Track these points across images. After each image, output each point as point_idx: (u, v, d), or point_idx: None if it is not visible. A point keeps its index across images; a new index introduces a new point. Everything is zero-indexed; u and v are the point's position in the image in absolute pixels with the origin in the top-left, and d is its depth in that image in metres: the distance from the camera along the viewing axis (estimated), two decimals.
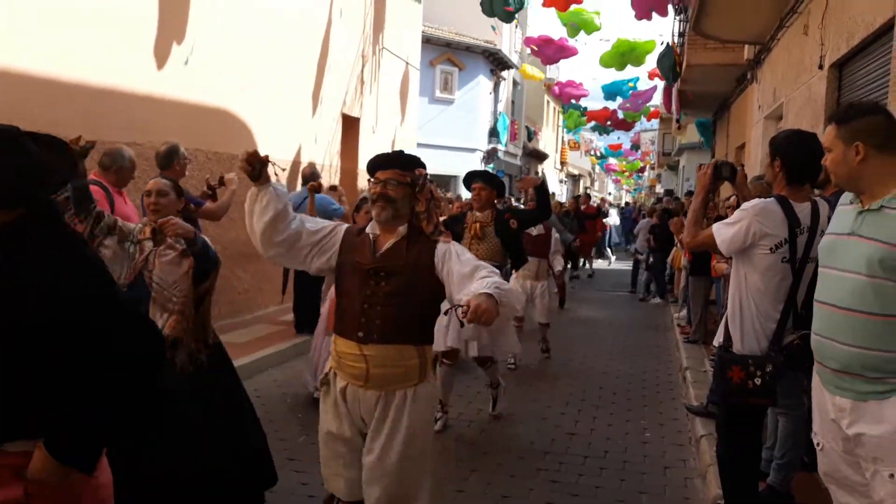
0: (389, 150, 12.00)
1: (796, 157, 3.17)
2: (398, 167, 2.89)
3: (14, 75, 5.72)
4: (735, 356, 3.22)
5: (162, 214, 3.39)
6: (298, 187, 8.10)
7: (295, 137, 10.16)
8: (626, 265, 16.40)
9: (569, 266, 13.48)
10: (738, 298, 3.28)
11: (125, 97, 6.91)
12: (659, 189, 39.90)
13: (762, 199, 3.21)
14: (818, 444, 2.58)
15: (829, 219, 3.29)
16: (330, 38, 11.11)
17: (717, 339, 3.46)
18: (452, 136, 21.98)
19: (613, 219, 21.87)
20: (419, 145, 17.30)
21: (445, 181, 22.76)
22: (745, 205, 3.24)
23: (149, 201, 3.52)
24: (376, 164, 2.92)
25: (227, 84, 8.44)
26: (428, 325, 2.83)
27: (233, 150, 8.41)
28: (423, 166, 2.96)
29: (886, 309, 2.30)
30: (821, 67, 6.74)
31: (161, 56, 7.38)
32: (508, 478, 4.45)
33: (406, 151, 3.03)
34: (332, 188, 8.40)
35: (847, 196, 2.54)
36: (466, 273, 2.65)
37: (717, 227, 3.26)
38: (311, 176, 7.80)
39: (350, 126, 12.28)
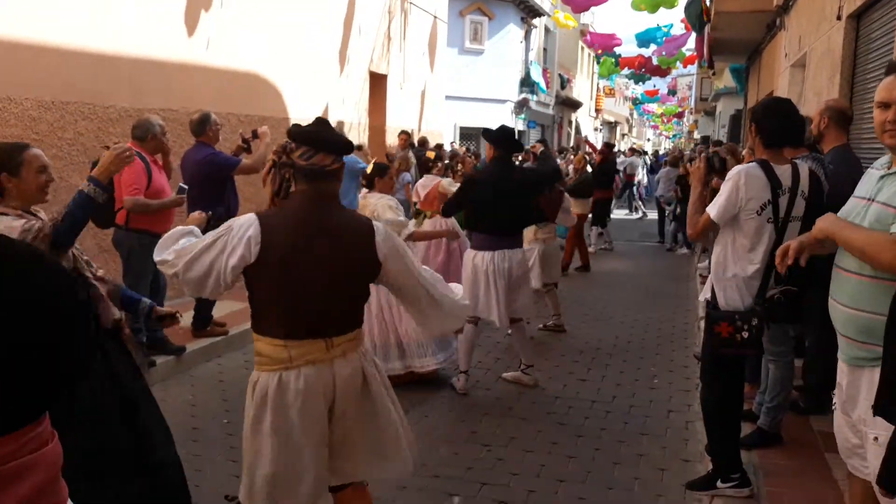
0: (418, 106, 12.42)
1: (771, 123, 3.36)
2: None
3: (58, 50, 6.07)
4: (722, 313, 3.44)
5: None
6: None
7: (322, 97, 10.43)
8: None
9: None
10: (725, 259, 3.49)
11: (160, 66, 7.24)
12: (696, 135, 39.25)
13: (744, 165, 3.40)
14: (833, 405, 2.68)
15: (811, 179, 3.51)
16: None
17: (704, 295, 3.70)
18: (483, 88, 21.94)
19: (640, 174, 20.79)
20: (448, 97, 17.41)
21: (475, 134, 22.85)
22: (728, 174, 3.44)
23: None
24: None
25: (254, 48, 8.72)
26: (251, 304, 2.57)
27: (263, 112, 8.73)
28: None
29: (876, 270, 2.33)
30: (839, 18, 6.73)
31: (191, 24, 7.67)
32: (519, 420, 4.81)
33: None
34: (358, 147, 8.70)
35: (883, 160, 2.53)
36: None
37: (709, 208, 3.46)
38: None
39: (378, 83, 12.48)
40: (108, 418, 2.56)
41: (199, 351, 5.78)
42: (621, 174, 17.70)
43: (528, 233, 6.66)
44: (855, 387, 2.50)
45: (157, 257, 2.51)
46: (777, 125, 3.35)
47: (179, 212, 5.65)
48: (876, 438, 2.40)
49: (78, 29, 6.25)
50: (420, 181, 7.43)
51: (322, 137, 2.52)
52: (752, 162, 3.42)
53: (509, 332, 6.69)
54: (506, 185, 5.09)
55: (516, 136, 5.38)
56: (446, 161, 9.93)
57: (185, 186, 5.38)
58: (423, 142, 11.98)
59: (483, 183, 5.23)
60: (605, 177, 12.32)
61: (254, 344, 2.55)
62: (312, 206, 2.50)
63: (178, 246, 2.50)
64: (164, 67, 7.29)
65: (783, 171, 3.37)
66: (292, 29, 9.49)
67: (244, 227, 2.42)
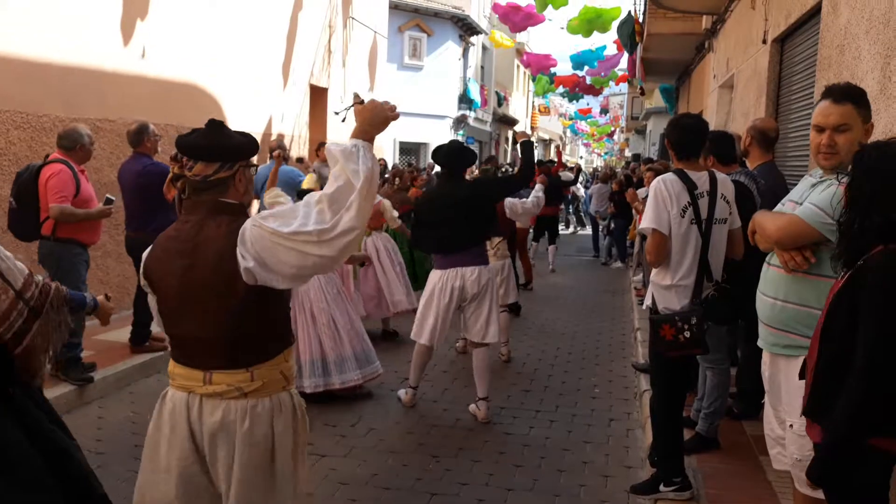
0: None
1: (679, 137, 3.65)
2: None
3: None
4: (662, 316, 3.60)
5: None
6: (267, 160, 8.32)
7: (264, 109, 10.33)
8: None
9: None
10: (660, 266, 3.66)
11: (95, 75, 7.06)
12: (628, 153, 40.37)
13: (661, 175, 3.63)
14: (763, 401, 2.91)
15: (737, 186, 3.77)
16: (296, 9, 11.21)
17: (646, 303, 3.85)
18: (422, 104, 22.10)
19: (581, 190, 21.10)
20: None
21: (414, 148, 22.96)
22: (650, 187, 3.67)
23: None
24: None
25: (193, 58, 8.59)
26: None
27: (202, 123, 8.59)
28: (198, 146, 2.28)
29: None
30: (764, 42, 7.09)
31: (127, 32, 7.51)
32: (466, 431, 4.85)
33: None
34: (299, 160, 8.65)
35: (818, 171, 2.74)
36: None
37: (642, 223, 3.65)
38: (278, 147, 8.03)
39: (318, 97, 12.44)
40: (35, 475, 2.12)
41: (138, 366, 5.63)
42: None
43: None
44: (775, 377, 2.73)
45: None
46: (685, 138, 3.64)
47: (108, 223, 5.52)
48: (791, 426, 2.60)
49: (8, 36, 6.04)
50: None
51: (197, 144, 2.22)
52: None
53: (457, 344, 6.75)
54: (448, 201, 5.00)
55: (462, 152, 5.18)
56: (385, 176, 9.99)
57: (112, 198, 5.25)
58: None
59: (427, 202, 5.29)
60: (553, 193, 12.28)
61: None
62: (187, 221, 2.23)
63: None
64: (99, 76, 7.11)
65: (699, 177, 3.61)
66: (233, 40, 9.39)
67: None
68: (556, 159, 15.43)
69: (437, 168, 6.50)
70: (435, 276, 5.09)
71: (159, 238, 2.27)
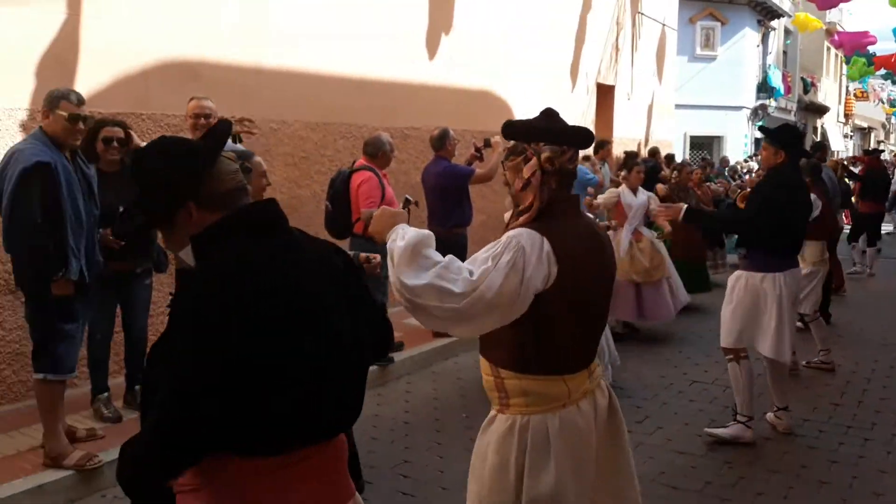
0: (645, 117, 11.86)
1: None
2: (513, 137, 2.21)
3: (321, 77, 6.84)
4: None
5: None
6: None
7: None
8: None
9: None
10: None
11: (406, 87, 7.84)
12: None
13: None
14: None
15: None
16: (585, 10, 11.33)
17: None
18: (715, 95, 20.90)
19: None
20: (678, 107, 16.85)
21: (707, 142, 21.81)
22: None
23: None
24: (505, 136, 2.28)
25: (488, 66, 9.11)
26: (511, 347, 2.09)
27: (496, 127, 9.06)
28: (530, 131, 2.14)
29: None
30: None
31: (432, 45, 8.22)
32: (762, 440, 4.54)
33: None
34: (585, 158, 8.73)
35: None
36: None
37: None
38: None
39: (605, 94, 12.43)
40: None
41: (439, 349, 6.21)
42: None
43: (817, 252, 5.92)
44: None
45: (415, 280, 1.90)
46: None
47: (412, 220, 6.10)
48: None
49: (336, 57, 6.97)
50: (605, 195, 7.08)
51: (570, 132, 2.15)
52: None
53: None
54: (802, 195, 4.45)
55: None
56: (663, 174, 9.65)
57: (411, 198, 5.76)
58: (654, 152, 11.70)
59: (785, 192, 4.30)
60: (874, 187, 10.84)
61: (505, 384, 2.09)
62: (578, 217, 2.18)
63: (435, 270, 1.91)
64: (409, 88, 7.89)
65: None
66: (524, 46, 9.78)
67: (535, 243, 2.00)
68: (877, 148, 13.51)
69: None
70: (767, 280, 4.33)
71: (555, 234, 2.03)
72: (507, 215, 2.21)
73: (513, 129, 2.17)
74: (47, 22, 4.84)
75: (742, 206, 4.71)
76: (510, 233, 2.04)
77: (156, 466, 1.47)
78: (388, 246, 1.98)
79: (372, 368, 5.44)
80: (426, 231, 1.98)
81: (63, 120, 3.73)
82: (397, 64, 7.68)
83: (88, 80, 5.02)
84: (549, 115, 2.19)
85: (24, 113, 4.75)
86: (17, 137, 4.61)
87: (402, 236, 1.96)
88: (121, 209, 4.17)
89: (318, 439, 1.63)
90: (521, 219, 2.07)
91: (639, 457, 4.25)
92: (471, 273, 1.92)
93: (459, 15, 8.57)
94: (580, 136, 2.15)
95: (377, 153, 5.66)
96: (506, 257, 1.95)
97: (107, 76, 5.18)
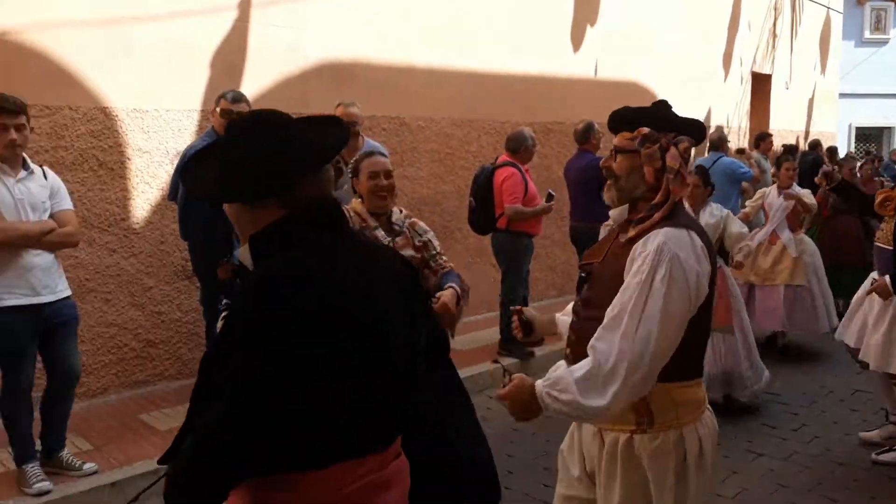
0: (806, 106, 11.01)
1: None
2: (626, 128, 2.06)
3: (466, 74, 6.97)
4: None
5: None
6: (706, 153, 8.22)
7: (703, 102, 10.19)
8: None
9: None
10: None
11: (549, 82, 7.83)
12: None
13: None
14: None
15: None
16: None
17: None
18: (885, 82, 19.19)
19: None
20: (842, 95, 15.67)
21: (875, 134, 20.08)
22: None
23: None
24: (609, 126, 2.13)
25: (636, 58, 8.90)
26: None
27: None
28: (654, 121, 2.04)
29: None
30: None
31: (577, 41, 8.15)
32: (881, 476, 4.18)
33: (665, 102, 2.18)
34: (739, 151, 8.34)
35: None
36: (608, 314, 1.87)
37: None
38: (719, 141, 7.87)
39: (761, 84, 11.79)
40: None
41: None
42: None
43: None
44: None
45: (600, 401, 1.78)
46: None
47: (553, 214, 6.07)
48: None
49: (481, 54, 7.06)
50: (750, 202, 6.55)
51: (690, 123, 2.08)
52: None
53: None
54: None
55: None
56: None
57: (553, 192, 5.74)
58: (815, 145, 10.98)
59: None
60: None
61: (650, 397, 1.91)
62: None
63: (601, 379, 1.79)
64: (553, 83, 7.86)
65: None
66: (673, 36, 9.46)
67: (684, 244, 1.88)
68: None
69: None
70: None
71: (697, 231, 1.97)
72: (616, 213, 2.05)
73: (642, 115, 2.06)
74: (219, 29, 5.27)
75: (882, 211, 4.23)
76: (653, 242, 1.86)
77: (205, 483, 1.41)
78: (553, 408, 1.83)
79: (512, 361, 5.44)
80: (559, 366, 1.88)
81: (219, 116, 4.18)
82: (541, 59, 7.68)
83: (254, 83, 5.42)
84: (664, 105, 2.11)
85: (199, 114, 5.20)
86: (194, 136, 5.08)
87: (558, 391, 1.82)
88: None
89: (366, 451, 1.55)
90: (657, 215, 1.93)
91: (793, 466, 4.06)
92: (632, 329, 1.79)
93: (606, 6, 8.43)
94: (697, 129, 2.06)
95: (519, 148, 5.70)
96: (658, 274, 1.82)
97: (270, 78, 5.57)
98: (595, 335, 1.84)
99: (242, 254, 1.57)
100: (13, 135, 3.34)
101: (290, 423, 1.41)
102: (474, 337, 6.24)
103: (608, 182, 2.06)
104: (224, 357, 1.43)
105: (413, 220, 3.25)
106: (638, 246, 1.88)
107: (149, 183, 4.99)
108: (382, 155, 3.37)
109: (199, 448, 1.40)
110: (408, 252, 3.04)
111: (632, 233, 1.94)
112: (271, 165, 1.48)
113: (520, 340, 2.53)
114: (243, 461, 1.40)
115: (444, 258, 3.23)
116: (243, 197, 1.53)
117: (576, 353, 1.99)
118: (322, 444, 1.47)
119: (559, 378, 1.82)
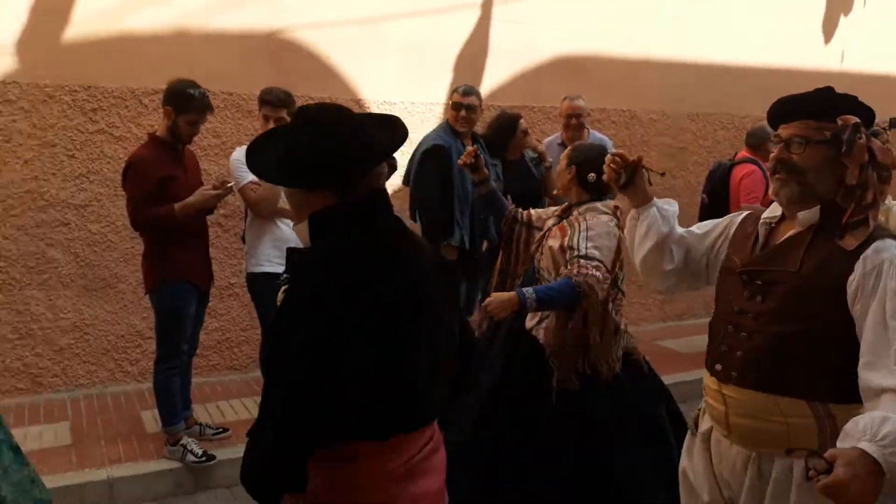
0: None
1: None
2: (808, 116, 1.84)
3: (699, 65, 6.72)
4: None
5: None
6: None
7: None
8: None
9: None
10: None
11: (789, 74, 7.26)
12: None
13: None
14: None
15: None
16: None
17: None
18: None
19: None
20: None
21: None
22: None
23: None
24: (776, 114, 1.92)
25: (891, 49, 8.03)
26: (841, 374, 1.71)
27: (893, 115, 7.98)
28: (860, 110, 1.82)
29: None
30: None
31: (828, 30, 7.51)
32: None
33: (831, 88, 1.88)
34: None
35: None
36: (880, 346, 1.61)
37: None
38: None
39: None
40: None
41: None
42: None
43: None
44: None
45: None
46: None
47: None
48: None
49: (717, 45, 6.76)
50: None
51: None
52: None
53: None
54: None
55: None
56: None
57: None
58: None
59: None
60: None
61: (837, 421, 1.73)
62: None
63: None
64: (796, 75, 7.28)
65: None
66: None
67: None
68: None
69: None
70: None
71: None
72: (807, 214, 1.83)
73: (840, 102, 1.84)
74: (462, 27, 5.55)
75: None
76: (886, 254, 1.68)
77: (281, 460, 1.47)
78: None
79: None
80: (874, 420, 1.52)
81: (451, 108, 4.43)
82: (782, 50, 7.18)
83: (492, 77, 5.65)
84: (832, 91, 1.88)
85: (440, 107, 5.50)
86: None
87: None
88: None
89: (419, 425, 1.63)
90: (871, 218, 1.74)
91: None
92: None
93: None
94: (871, 120, 1.87)
95: (760, 144, 5.38)
96: None
97: (507, 73, 5.76)
98: (876, 374, 1.59)
99: (299, 230, 1.64)
100: (273, 126, 3.57)
101: (350, 389, 1.48)
102: (688, 342, 6.06)
103: (779, 176, 1.86)
104: (288, 327, 1.50)
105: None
106: (869, 256, 1.69)
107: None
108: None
109: (275, 414, 1.47)
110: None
111: (853, 241, 1.73)
112: (330, 159, 1.55)
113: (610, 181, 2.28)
114: (314, 424, 1.47)
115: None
116: (298, 184, 1.61)
117: (744, 373, 1.82)
118: (382, 414, 1.54)
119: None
